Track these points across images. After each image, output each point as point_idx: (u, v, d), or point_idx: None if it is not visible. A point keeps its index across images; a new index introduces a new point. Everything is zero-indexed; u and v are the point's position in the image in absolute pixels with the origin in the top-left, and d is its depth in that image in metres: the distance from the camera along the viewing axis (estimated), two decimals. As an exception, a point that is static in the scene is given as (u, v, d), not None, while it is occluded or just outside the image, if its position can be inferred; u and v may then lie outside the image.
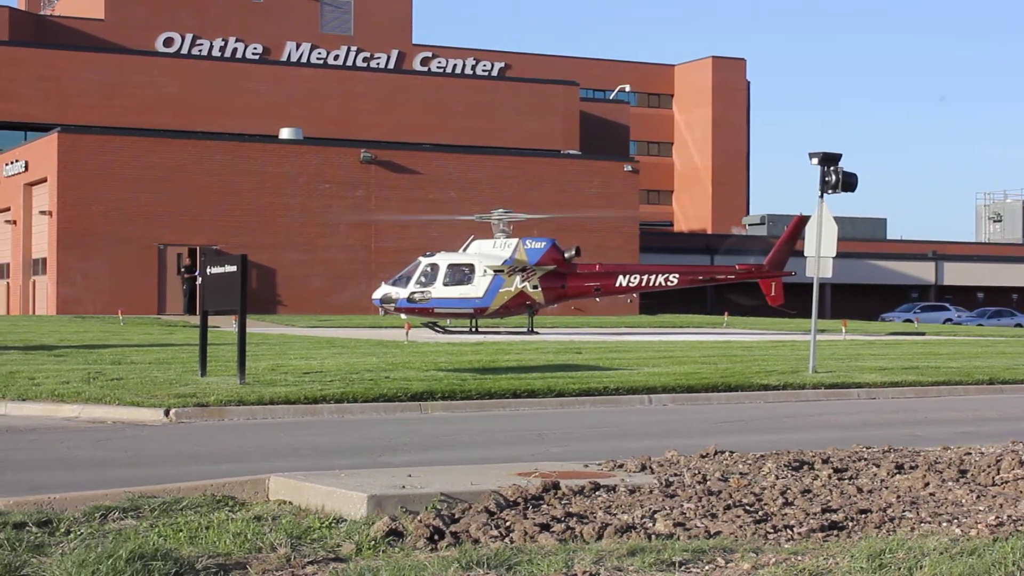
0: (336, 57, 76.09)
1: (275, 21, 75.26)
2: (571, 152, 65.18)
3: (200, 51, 73.08)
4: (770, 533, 9.17)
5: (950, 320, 70.14)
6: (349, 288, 53.77)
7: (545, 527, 9.16)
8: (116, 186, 51.15)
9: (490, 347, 30.32)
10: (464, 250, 41.03)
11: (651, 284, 41.96)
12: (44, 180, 52.70)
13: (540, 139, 68.74)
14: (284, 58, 74.39)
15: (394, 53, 78.25)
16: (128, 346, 28.56)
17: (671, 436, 16.11)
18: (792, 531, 9.23)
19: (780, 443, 14.59)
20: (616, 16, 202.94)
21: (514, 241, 40.13)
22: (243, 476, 11.25)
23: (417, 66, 78.76)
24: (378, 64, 76.88)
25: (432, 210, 52.24)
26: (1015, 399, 22.85)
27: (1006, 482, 11.29)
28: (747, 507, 9.94)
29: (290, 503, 10.39)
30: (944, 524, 9.47)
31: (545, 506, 9.94)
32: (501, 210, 42.02)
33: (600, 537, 8.99)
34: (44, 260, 52.57)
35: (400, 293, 39.46)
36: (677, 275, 42.01)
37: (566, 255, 40.63)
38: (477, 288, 39.46)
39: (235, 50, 74.05)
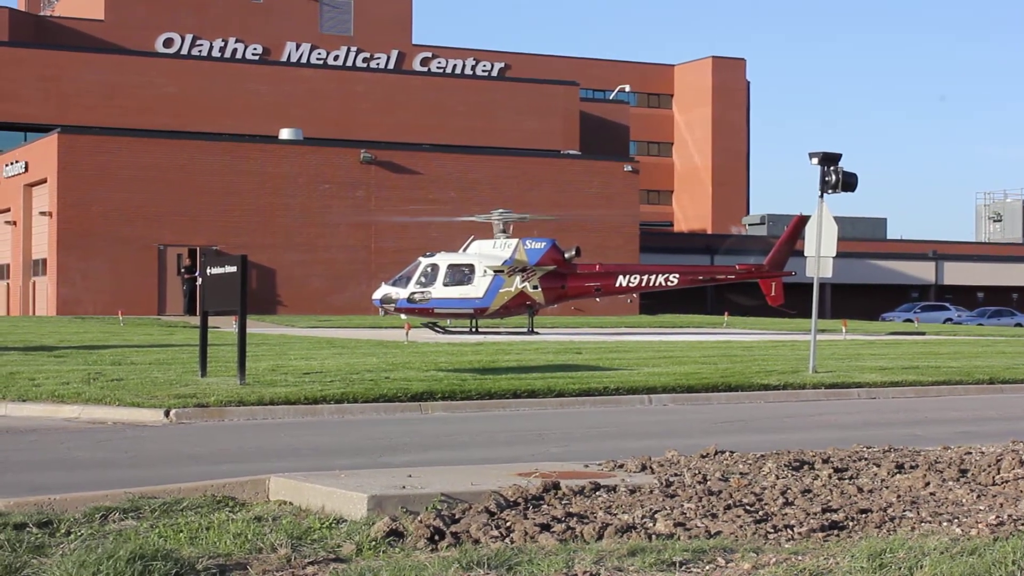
0: (336, 57, 76.09)
1: (275, 21, 75.27)
2: (571, 152, 65.19)
3: (200, 51, 73.10)
4: (770, 533, 9.17)
5: (950, 320, 70.14)
6: (349, 288, 53.78)
7: (545, 527, 9.15)
8: (116, 186, 51.15)
9: (490, 347, 30.32)
10: (464, 250, 41.03)
11: (651, 284, 41.95)
12: (44, 181, 52.70)
13: (540, 139, 68.74)
14: (284, 58, 74.41)
15: (394, 53, 78.26)
16: (128, 347, 28.55)
17: (671, 436, 16.10)
18: (792, 531, 9.23)
19: (780, 443, 14.59)
20: (616, 16, 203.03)
21: (514, 241, 40.13)
22: (243, 477, 11.25)
23: (417, 66, 78.76)
24: (378, 64, 76.89)
25: (432, 210, 52.23)
26: (1015, 399, 22.85)
27: (1006, 481, 11.29)
28: (747, 507, 9.94)
29: (290, 503, 10.39)
30: (944, 524, 9.47)
31: (545, 506, 9.94)
32: (501, 210, 42.03)
33: (600, 537, 8.99)
34: (44, 261, 52.58)
35: (400, 293, 39.46)
36: (677, 275, 42.00)
37: (566, 255, 40.63)
38: (477, 288, 39.46)
39: (235, 50, 74.06)
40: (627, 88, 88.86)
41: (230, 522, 9.52)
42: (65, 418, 17.61)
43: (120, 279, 50.90)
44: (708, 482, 10.98)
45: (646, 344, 32.98)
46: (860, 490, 10.80)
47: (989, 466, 11.89)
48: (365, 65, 76.17)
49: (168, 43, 73.07)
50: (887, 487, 11.02)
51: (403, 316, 39.02)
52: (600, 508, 9.90)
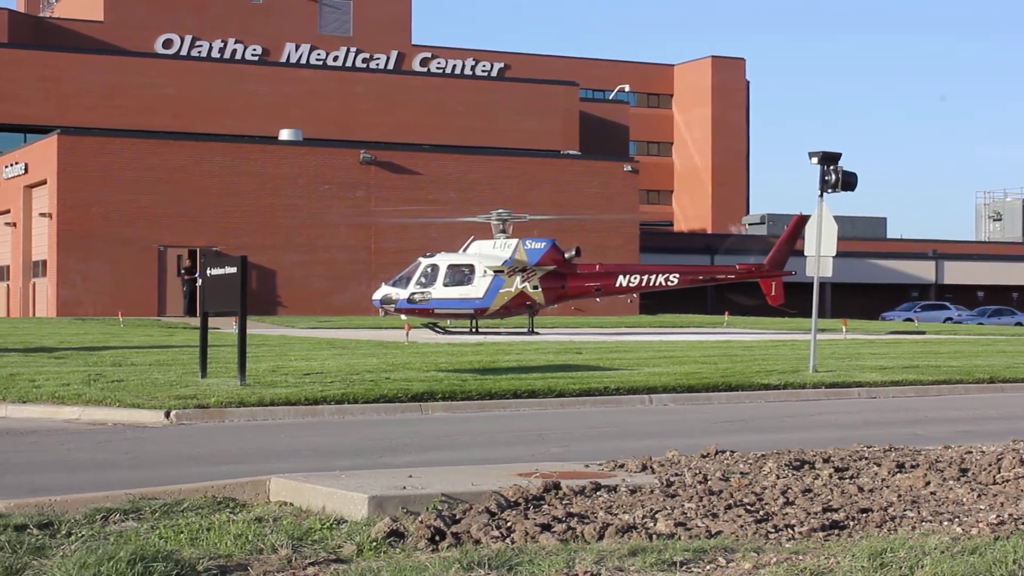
0: (335, 58, 76.09)
1: (274, 22, 75.27)
2: (571, 152, 65.19)
3: (199, 52, 73.10)
4: (771, 532, 9.17)
5: (950, 319, 70.14)
6: (349, 289, 53.79)
7: (546, 527, 9.15)
8: (116, 188, 51.16)
9: (490, 347, 30.32)
10: (464, 251, 41.03)
11: (651, 284, 41.96)
12: (44, 182, 52.71)
13: (540, 139, 68.75)
14: (283, 59, 74.41)
15: (393, 54, 78.26)
16: (128, 348, 28.55)
17: (672, 436, 16.10)
18: (793, 530, 9.23)
19: (781, 442, 14.59)
20: (616, 16, 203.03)
21: (514, 241, 40.13)
22: (244, 478, 11.25)
23: (416, 67, 78.77)
24: (377, 65, 76.89)
25: (432, 211, 52.23)
26: (1016, 398, 22.85)
27: (1007, 481, 11.29)
28: (748, 507, 9.94)
29: (291, 504, 10.39)
30: (945, 523, 9.46)
31: (546, 506, 9.94)
32: (501, 210, 42.03)
33: (601, 537, 8.99)
34: (44, 262, 52.58)
35: (400, 294, 39.46)
36: (677, 275, 42.00)
37: (566, 255, 40.63)
38: (477, 289, 39.46)
39: (234, 51, 74.06)
40: (627, 88, 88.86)
41: (231, 523, 9.52)
42: (65, 419, 17.60)
43: (120, 280, 50.91)
44: (709, 482, 10.97)
45: (646, 344, 32.98)
46: (861, 489, 10.80)
47: (990, 465, 11.89)
48: (365, 65, 76.17)
49: (168, 44, 73.08)
50: (888, 486, 11.02)
51: (403, 316, 39.02)
52: (601, 508, 9.90)
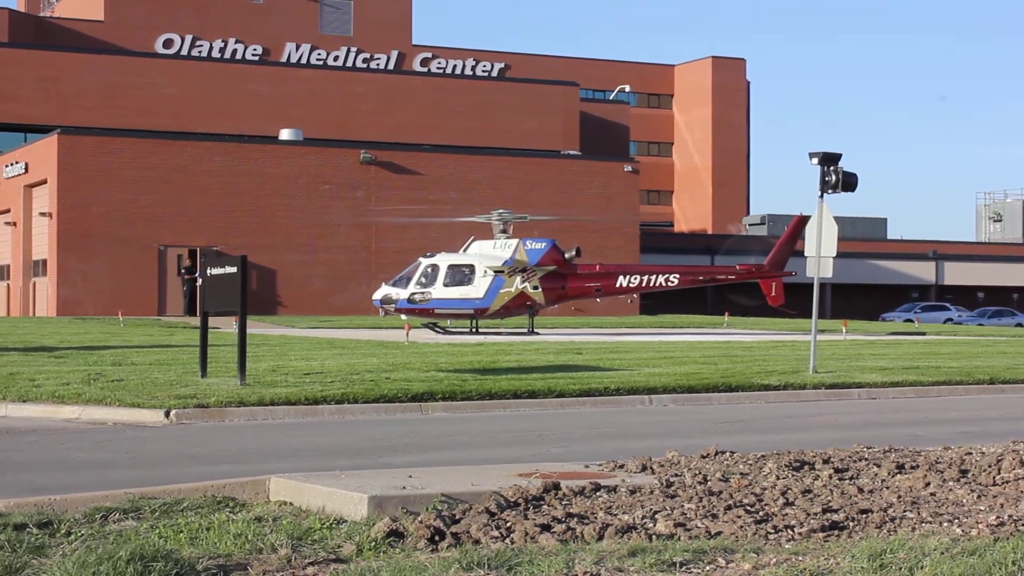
0: (336, 58, 76.10)
1: (275, 22, 75.28)
2: (571, 153, 65.20)
3: (200, 52, 73.10)
4: (771, 533, 9.17)
5: (950, 320, 70.14)
6: (349, 289, 53.79)
7: (546, 528, 9.15)
8: (116, 187, 51.17)
9: (490, 348, 30.32)
10: (464, 251, 41.04)
11: (651, 284, 41.96)
12: (44, 182, 52.72)
13: (540, 140, 68.75)
14: (284, 59, 74.41)
15: (394, 54, 78.27)
16: (128, 347, 28.56)
17: (672, 436, 16.10)
18: (793, 531, 9.23)
19: (781, 443, 14.59)
20: (616, 16, 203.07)
21: (514, 242, 40.13)
22: (244, 477, 11.25)
23: (417, 67, 78.77)
24: (378, 65, 76.90)
25: (432, 211, 52.24)
26: (1016, 399, 22.85)
27: (1007, 482, 11.28)
28: (748, 507, 9.94)
29: (291, 504, 10.39)
30: (945, 524, 9.46)
31: (546, 507, 9.94)
32: (501, 211, 42.03)
33: (601, 538, 8.99)
34: (44, 262, 52.59)
35: (400, 294, 39.47)
36: (677, 275, 42.01)
37: (566, 256, 40.64)
38: (477, 289, 39.46)
39: (235, 51, 74.07)
40: (627, 88, 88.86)
41: (230, 523, 9.52)
42: (65, 419, 17.60)
43: (120, 280, 50.92)
44: (709, 482, 10.97)
45: (646, 344, 32.98)
46: (861, 490, 10.80)
47: (990, 466, 11.89)
48: (365, 66, 76.18)
49: (168, 44, 73.08)
50: (888, 487, 11.02)
51: (403, 316, 39.02)
52: (601, 508, 9.89)
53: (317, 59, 75.54)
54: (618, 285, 41.82)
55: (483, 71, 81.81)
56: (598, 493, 10.45)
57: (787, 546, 8.83)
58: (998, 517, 9.58)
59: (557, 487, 10.41)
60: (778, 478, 11.39)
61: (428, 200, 54.45)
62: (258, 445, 15.14)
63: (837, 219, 25.63)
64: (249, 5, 74.91)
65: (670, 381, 21.79)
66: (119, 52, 66.92)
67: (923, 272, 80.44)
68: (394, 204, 53.79)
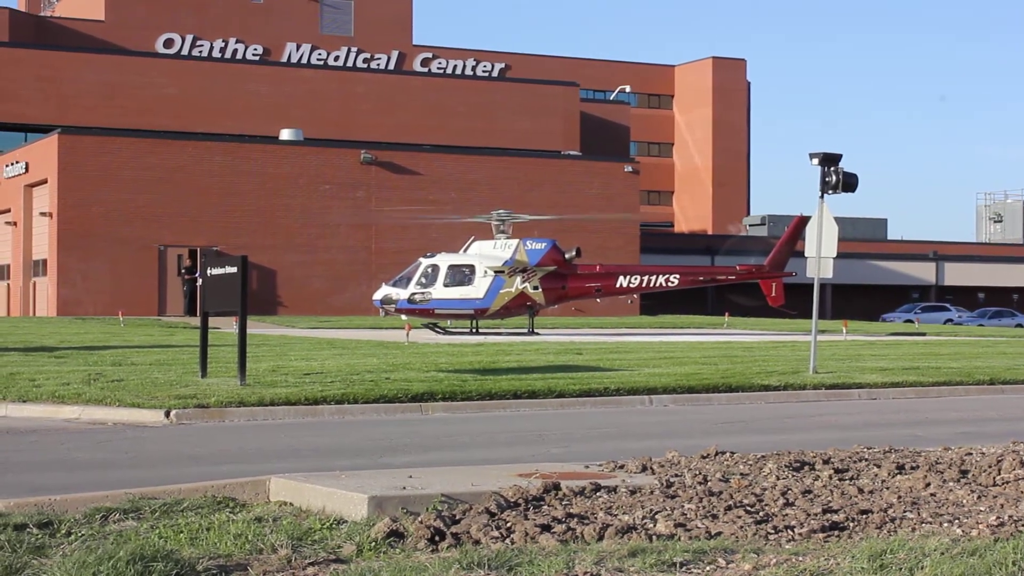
0: (336, 58, 76.10)
1: (275, 22, 75.27)
2: (571, 153, 65.20)
3: (200, 52, 73.10)
4: (771, 534, 9.16)
5: (951, 320, 70.14)
6: (349, 289, 53.79)
7: (546, 528, 9.15)
8: (116, 187, 51.17)
9: (491, 348, 30.32)
10: (464, 251, 41.04)
11: (652, 285, 41.97)
12: (44, 181, 52.72)
13: (540, 140, 68.75)
14: (284, 59, 74.41)
15: (394, 54, 78.27)
16: (128, 347, 28.56)
17: (672, 437, 16.10)
18: (793, 532, 9.23)
19: (781, 444, 14.59)
20: (616, 16, 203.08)
21: (514, 242, 40.14)
22: (244, 477, 11.25)
23: (417, 67, 78.77)
24: (378, 65, 76.90)
25: (432, 211, 52.25)
26: (1016, 399, 22.84)
27: (1007, 482, 11.28)
28: (748, 508, 9.94)
29: (291, 504, 10.39)
30: (945, 524, 9.46)
31: (546, 507, 9.94)
32: (501, 211, 42.03)
33: (601, 538, 8.99)
34: (44, 261, 52.59)
35: (400, 294, 39.47)
36: (678, 276, 42.02)
37: (566, 256, 40.64)
38: (478, 289, 39.46)
39: (235, 51, 74.07)
40: (627, 89, 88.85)
41: (230, 523, 9.52)
42: (65, 419, 17.60)
43: (120, 280, 50.92)
44: (709, 483, 10.97)
45: (647, 345, 32.98)
46: (861, 491, 10.79)
47: (990, 467, 11.89)
48: (365, 66, 76.18)
49: (168, 43, 73.08)
50: (888, 488, 11.02)
51: (403, 317, 39.02)
52: (601, 509, 9.89)
53: (317, 59, 75.54)
54: (618, 285, 41.82)
55: (483, 71, 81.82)
56: (598, 493, 10.45)
57: (787, 546, 8.83)
58: (998, 517, 9.58)
59: (557, 487, 10.41)
60: (778, 478, 11.39)
61: (428, 200, 54.46)
62: (258, 445, 15.14)
63: (837, 219, 25.63)
64: (249, 5, 74.92)
65: (670, 381, 21.79)
66: (119, 52, 66.92)
67: (923, 273, 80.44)
68: (394, 204, 53.81)
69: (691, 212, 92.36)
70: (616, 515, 9.67)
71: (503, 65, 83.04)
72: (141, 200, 51.46)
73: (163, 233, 51.86)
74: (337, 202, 54.43)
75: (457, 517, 9.45)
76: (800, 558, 8.35)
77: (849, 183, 24.96)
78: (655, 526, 9.30)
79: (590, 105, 77.01)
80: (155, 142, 53.49)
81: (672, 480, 11.05)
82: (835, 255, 25.25)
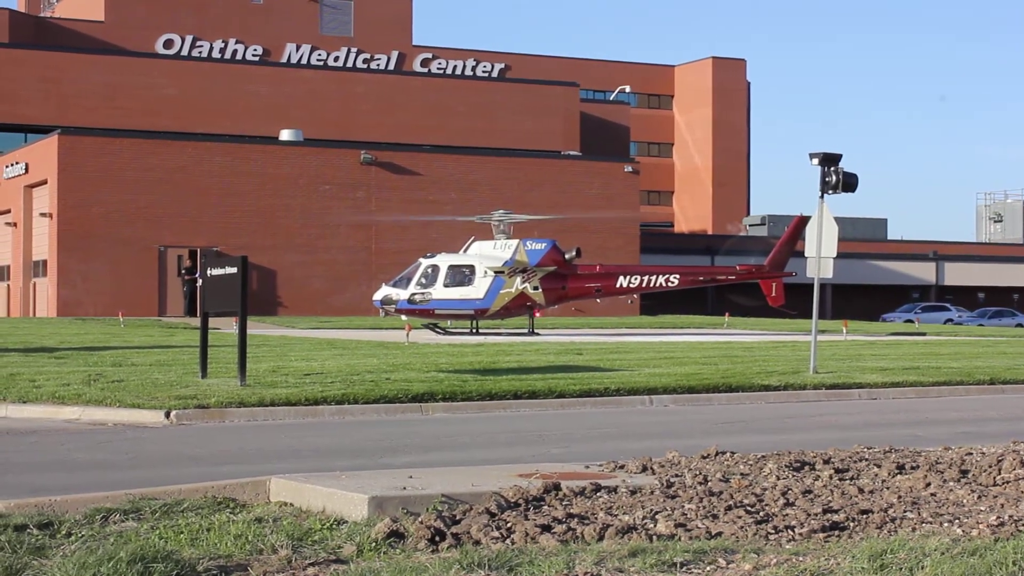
0: (336, 58, 76.10)
1: (275, 22, 75.28)
2: (571, 153, 65.19)
3: (200, 53, 73.10)
4: (771, 534, 9.16)
5: (951, 320, 70.14)
6: (350, 289, 53.79)
7: (546, 528, 9.15)
8: (116, 188, 51.17)
9: (491, 348, 30.32)
10: (464, 251, 41.05)
11: (652, 285, 41.96)
12: (44, 182, 52.72)
13: (540, 140, 68.75)
14: (284, 59, 74.42)
15: (394, 54, 78.27)
16: (129, 348, 28.56)
17: (672, 437, 16.10)
18: (793, 532, 9.23)
19: (781, 444, 14.59)
20: (616, 16, 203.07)
21: (514, 242, 40.14)
22: (244, 478, 11.24)
23: (417, 67, 78.77)
24: (378, 65, 76.90)
25: (432, 211, 52.24)
26: (1016, 399, 22.84)
27: (1007, 482, 11.28)
28: (748, 508, 9.93)
29: (291, 505, 10.39)
30: (945, 524, 9.46)
31: (546, 507, 9.94)
32: (501, 211, 42.03)
33: (601, 538, 8.99)
34: (44, 262, 52.59)
35: (401, 294, 39.47)
36: (678, 276, 42.01)
37: (567, 256, 40.64)
38: (478, 289, 39.47)
39: (235, 51, 74.07)
40: (627, 89, 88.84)
41: (231, 523, 9.52)
42: (66, 419, 17.60)
43: (120, 280, 50.92)
44: (709, 483, 10.97)
45: (647, 345, 32.98)
46: (861, 491, 10.79)
47: (990, 467, 11.89)
48: (365, 66, 76.18)
49: (168, 44, 73.08)
50: (888, 488, 11.02)
51: (404, 317, 39.02)
52: (601, 509, 9.89)
53: (317, 59, 75.54)
54: (618, 285, 41.82)
55: (483, 71, 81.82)
56: (598, 494, 10.45)
57: (787, 546, 8.82)
58: (998, 517, 9.58)
59: (557, 488, 10.41)
60: (778, 478, 11.39)
61: (428, 201, 54.47)
62: (258, 446, 15.14)
63: (837, 219, 25.63)
64: (249, 5, 74.92)
65: (670, 381, 21.79)
66: (119, 52, 66.93)
67: (923, 273, 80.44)
68: (394, 205, 53.80)
69: (691, 212, 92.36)
70: (616, 515, 9.66)
71: (503, 65, 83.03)
72: (141, 201, 51.46)
73: (163, 234, 51.86)
74: (337, 202, 54.43)
75: (457, 517, 9.45)
76: (800, 558, 8.35)
77: (849, 183, 24.96)
78: (655, 526, 9.30)
79: (590, 105, 77.01)
80: (155, 143, 53.50)
81: (672, 480, 11.05)
82: (835, 255, 25.25)
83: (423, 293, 39.27)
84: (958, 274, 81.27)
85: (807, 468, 11.96)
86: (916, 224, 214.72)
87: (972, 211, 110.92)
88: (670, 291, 43.95)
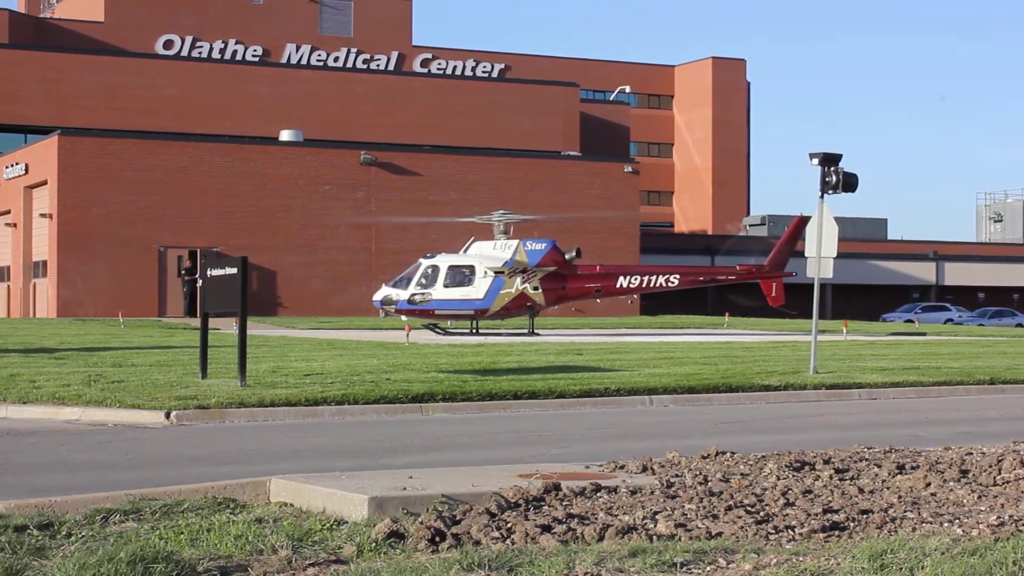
0: (336, 59, 76.11)
1: (275, 23, 75.28)
2: (571, 153, 65.19)
3: (200, 53, 73.10)
4: (771, 534, 9.16)
5: (951, 320, 70.15)
6: (350, 290, 53.78)
7: (546, 528, 9.15)
8: (116, 188, 51.17)
9: (491, 348, 30.32)
10: (464, 251, 41.05)
11: (652, 285, 41.96)
12: (44, 183, 52.72)
13: (540, 140, 68.75)
14: (284, 60, 74.42)
15: (394, 55, 78.27)
16: (129, 348, 28.56)
17: (672, 437, 16.10)
18: (793, 532, 9.23)
19: (781, 444, 14.59)
20: (616, 16, 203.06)
21: (514, 242, 40.14)
22: (244, 478, 11.24)
23: (417, 68, 78.77)
24: (378, 66, 76.90)
25: (432, 212, 52.24)
26: (1016, 399, 22.84)
27: (1007, 482, 11.28)
28: (748, 508, 9.93)
29: (291, 505, 10.39)
30: (945, 524, 9.46)
31: (546, 507, 9.94)
32: (501, 211, 42.03)
33: (601, 538, 8.99)
34: (44, 263, 52.59)
35: (401, 295, 39.47)
36: (678, 276, 42.01)
37: (567, 256, 40.64)
38: (478, 289, 39.47)
39: (235, 52, 74.07)
40: (627, 89, 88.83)
41: (231, 524, 9.52)
42: (66, 420, 17.61)
43: (120, 281, 50.91)
44: (709, 483, 10.97)
45: (647, 345, 32.98)
46: (861, 491, 10.79)
47: (990, 467, 11.89)
48: (365, 66, 76.18)
49: (168, 44, 73.08)
50: (888, 488, 11.02)
51: (404, 317, 39.02)
52: (601, 509, 9.89)
53: (317, 60, 75.55)
54: (618, 286, 41.82)
55: (483, 72, 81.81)
56: (599, 494, 10.44)
57: (788, 546, 8.82)
58: (999, 517, 9.58)
59: (558, 488, 10.41)
60: (779, 478, 11.39)
61: (428, 201, 54.47)
62: (258, 446, 15.14)
63: (837, 219, 25.63)
64: (249, 6, 74.92)
65: (670, 382, 21.79)
66: (119, 53, 66.93)
67: (923, 272, 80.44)
68: (394, 205, 53.79)
69: (691, 212, 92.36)
70: (617, 515, 9.66)
71: (503, 65, 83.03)
72: (141, 201, 51.45)
73: (163, 234, 51.86)
74: (337, 203, 54.43)
75: (457, 518, 9.45)
76: (800, 558, 8.35)
77: (849, 183, 24.96)
78: (656, 526, 9.30)
79: (590, 105, 77.01)
80: (155, 143, 53.49)
81: (672, 480, 11.05)
82: (835, 255, 25.25)
83: (423, 293, 39.27)
84: (958, 274, 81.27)
85: (807, 468, 11.96)
86: (916, 224, 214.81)
87: (972, 211, 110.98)
88: (670, 291, 43.95)
